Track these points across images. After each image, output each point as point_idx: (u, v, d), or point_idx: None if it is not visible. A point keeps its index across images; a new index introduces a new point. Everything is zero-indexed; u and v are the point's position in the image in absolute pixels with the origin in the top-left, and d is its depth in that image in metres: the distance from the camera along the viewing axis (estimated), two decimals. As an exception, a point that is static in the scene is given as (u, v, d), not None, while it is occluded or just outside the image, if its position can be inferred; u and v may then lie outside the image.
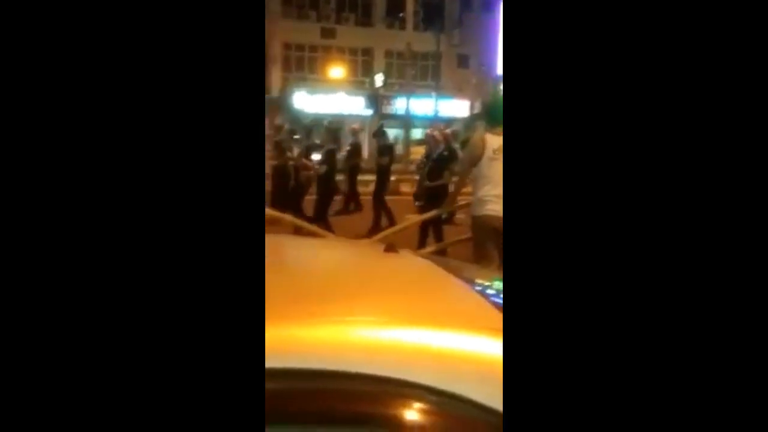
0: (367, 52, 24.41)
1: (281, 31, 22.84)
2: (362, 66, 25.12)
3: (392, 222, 8.80)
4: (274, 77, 23.60)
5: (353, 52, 24.85)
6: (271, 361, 0.81)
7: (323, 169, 7.84)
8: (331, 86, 24.26)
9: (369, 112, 23.94)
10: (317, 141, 8.59)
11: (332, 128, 8.83)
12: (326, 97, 23.84)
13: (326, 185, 7.80)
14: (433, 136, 7.39)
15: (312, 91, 23.96)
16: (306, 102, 23.64)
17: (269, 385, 0.79)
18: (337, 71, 24.56)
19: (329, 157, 7.94)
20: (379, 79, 24.20)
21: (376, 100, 24.33)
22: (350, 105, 24.19)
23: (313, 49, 24.46)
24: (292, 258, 1.63)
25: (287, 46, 23.95)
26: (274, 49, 23.35)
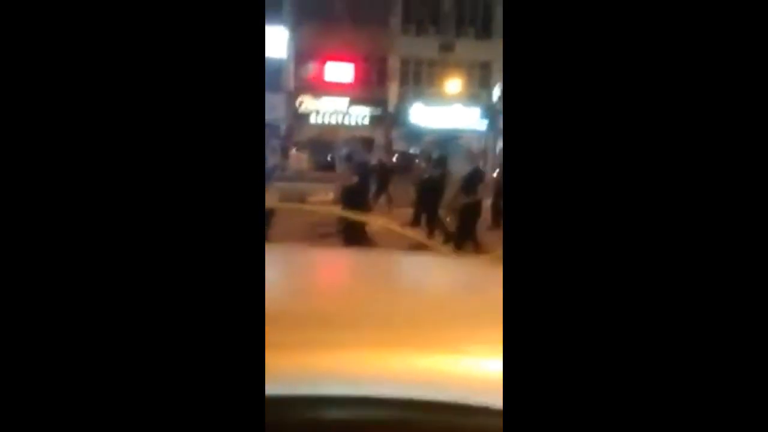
0: (485, 66, 24.05)
1: (400, 47, 23.33)
2: (480, 79, 24.82)
3: (450, 237, 8.66)
4: (392, 92, 24.13)
5: (471, 65, 24.63)
6: (388, 389, 0.83)
7: (354, 179, 8.03)
8: (448, 100, 24.25)
9: (485, 125, 23.58)
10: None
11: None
12: (442, 111, 23.90)
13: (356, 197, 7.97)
14: None
15: (428, 104, 24.13)
16: (422, 115, 23.86)
17: (385, 414, 0.81)
18: (454, 85, 24.50)
19: (359, 169, 8.12)
20: (496, 93, 23.73)
21: (491, 113, 23.89)
22: (466, 119, 24.02)
23: (431, 63, 24.61)
24: (406, 277, 1.62)
25: (405, 62, 24.36)
26: (393, 65, 23.89)
